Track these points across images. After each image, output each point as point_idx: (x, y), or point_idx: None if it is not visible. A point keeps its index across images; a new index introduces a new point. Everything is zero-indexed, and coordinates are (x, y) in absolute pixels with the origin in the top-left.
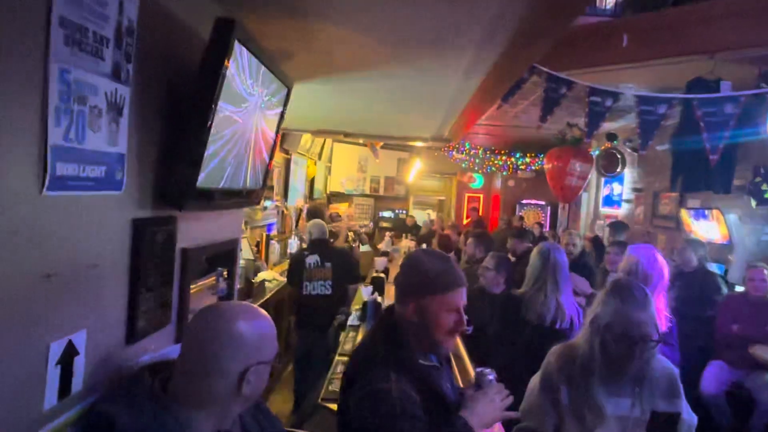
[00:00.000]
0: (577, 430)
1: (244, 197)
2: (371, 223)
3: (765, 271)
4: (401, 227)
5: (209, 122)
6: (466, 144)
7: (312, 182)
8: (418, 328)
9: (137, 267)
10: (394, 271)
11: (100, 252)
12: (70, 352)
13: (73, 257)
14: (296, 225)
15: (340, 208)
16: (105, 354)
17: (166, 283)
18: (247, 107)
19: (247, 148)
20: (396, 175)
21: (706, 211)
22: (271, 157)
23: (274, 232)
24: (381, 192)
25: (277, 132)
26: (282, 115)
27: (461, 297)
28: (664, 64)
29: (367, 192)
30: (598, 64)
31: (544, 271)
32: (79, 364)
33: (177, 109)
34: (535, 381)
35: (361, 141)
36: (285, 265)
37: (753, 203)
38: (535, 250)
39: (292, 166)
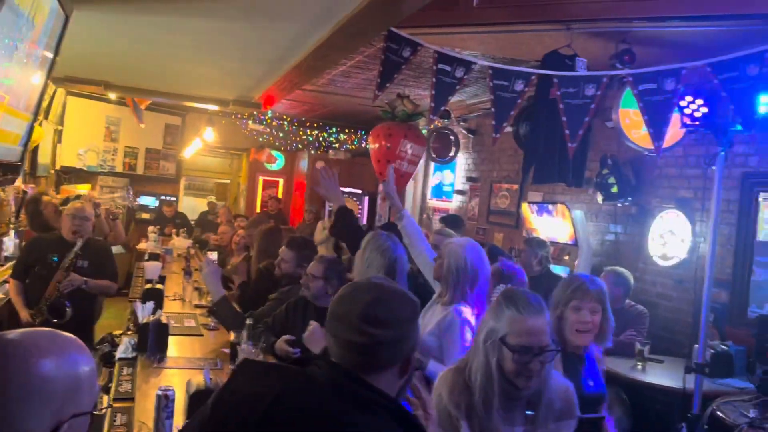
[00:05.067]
0: None
1: None
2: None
3: (616, 276)
4: (162, 219)
5: None
6: (268, 112)
7: (35, 152)
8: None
9: None
10: (173, 280)
11: None
12: None
13: None
14: (17, 216)
15: (77, 190)
16: None
17: None
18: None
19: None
20: (163, 148)
21: (550, 206)
22: (36, 115)
23: None
24: (140, 170)
25: (47, 80)
26: (56, 56)
27: None
28: (516, 32)
29: (119, 170)
30: (442, 24)
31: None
32: None
33: None
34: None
35: (114, 97)
36: (2, 275)
37: (600, 198)
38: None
39: None
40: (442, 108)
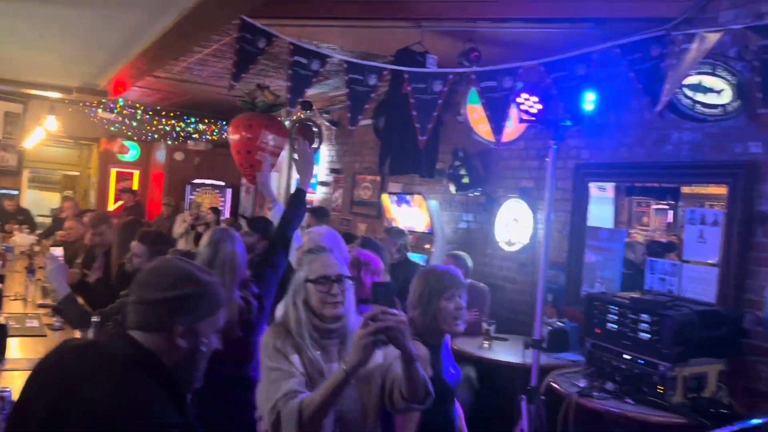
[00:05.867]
0: None
1: None
2: None
3: (456, 259)
4: (3, 215)
5: None
6: (119, 99)
7: None
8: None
9: None
10: (14, 279)
11: None
12: None
13: None
14: None
15: None
16: None
17: None
18: None
19: None
20: (2, 137)
21: (408, 197)
22: None
23: None
24: None
25: None
26: None
27: None
28: (370, 28)
29: None
30: (298, 17)
31: None
32: None
33: None
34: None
35: None
36: None
37: (452, 189)
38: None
39: None
40: (299, 100)
